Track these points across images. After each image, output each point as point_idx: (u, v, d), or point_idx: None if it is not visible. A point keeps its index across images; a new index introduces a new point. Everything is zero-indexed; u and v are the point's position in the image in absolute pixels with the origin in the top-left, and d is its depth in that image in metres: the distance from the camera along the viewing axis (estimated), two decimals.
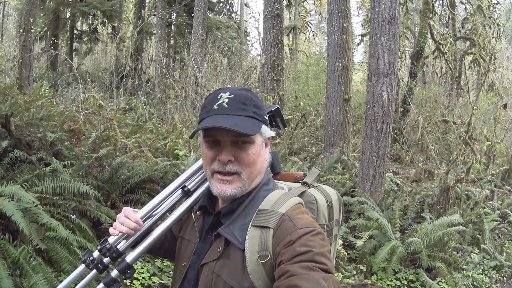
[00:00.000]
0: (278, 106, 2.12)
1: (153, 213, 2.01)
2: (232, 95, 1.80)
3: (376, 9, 8.99)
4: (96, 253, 1.92)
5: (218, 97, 1.82)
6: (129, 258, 1.89)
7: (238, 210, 1.84)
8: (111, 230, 1.92)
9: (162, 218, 2.04)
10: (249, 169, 1.80)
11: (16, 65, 13.70)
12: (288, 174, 2.15)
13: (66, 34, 28.35)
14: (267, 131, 1.88)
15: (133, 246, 1.96)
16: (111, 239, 1.91)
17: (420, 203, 9.31)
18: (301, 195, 1.93)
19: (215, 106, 1.79)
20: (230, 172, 1.78)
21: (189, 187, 2.06)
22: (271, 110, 2.10)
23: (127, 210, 1.95)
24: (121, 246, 1.92)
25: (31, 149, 6.34)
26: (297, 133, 15.40)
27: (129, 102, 17.15)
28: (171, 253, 2.19)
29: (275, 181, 2.06)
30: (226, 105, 1.77)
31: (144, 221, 1.96)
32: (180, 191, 2.07)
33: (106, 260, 1.91)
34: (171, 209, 2.06)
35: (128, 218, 1.90)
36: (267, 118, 1.94)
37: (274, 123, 2.13)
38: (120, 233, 1.90)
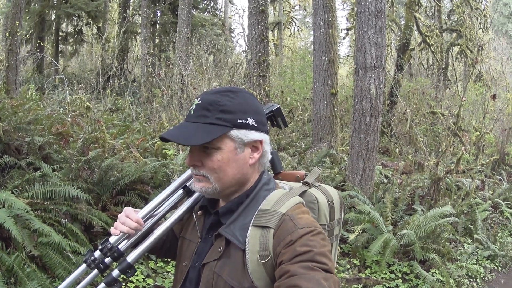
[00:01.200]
0: (279, 106, 2.12)
1: (154, 213, 2.01)
2: (200, 102, 1.81)
3: (363, 3, 9.00)
4: (97, 253, 1.92)
5: (193, 103, 1.85)
6: (130, 257, 1.89)
7: (238, 210, 1.84)
8: (112, 230, 1.92)
9: (163, 217, 2.04)
10: (216, 174, 1.80)
11: (3, 69, 13.63)
12: (289, 174, 2.14)
13: (52, 36, 28.20)
14: (247, 135, 1.83)
15: (134, 246, 1.95)
16: (112, 239, 1.91)
17: (410, 195, 9.36)
18: (302, 194, 1.93)
19: (187, 113, 1.84)
20: (198, 174, 1.82)
21: (190, 186, 2.07)
22: (272, 109, 2.10)
23: (128, 210, 1.95)
24: (122, 246, 1.92)
25: (20, 154, 6.30)
26: (285, 128, 15.39)
27: (116, 103, 17.09)
28: (172, 253, 2.19)
29: (276, 181, 2.05)
30: (192, 112, 1.81)
31: (145, 221, 1.96)
32: (181, 190, 2.07)
33: (107, 260, 1.91)
34: (172, 209, 2.06)
35: (129, 218, 1.90)
36: (249, 121, 1.85)
37: (275, 123, 2.12)
38: (121, 233, 1.90)
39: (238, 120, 1.80)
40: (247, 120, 1.82)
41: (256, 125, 1.84)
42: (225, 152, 1.78)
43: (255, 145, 1.87)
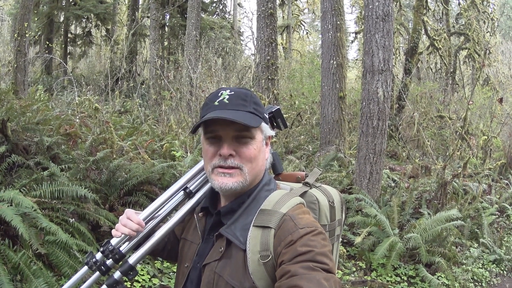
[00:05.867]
0: (278, 107, 2.14)
1: (156, 215, 2.02)
2: (233, 92, 1.82)
3: (370, 7, 8.99)
4: (98, 255, 1.92)
5: (219, 94, 1.84)
6: (131, 259, 1.89)
7: (239, 210, 1.84)
8: (113, 232, 1.92)
9: (164, 219, 2.04)
10: (250, 164, 1.80)
11: (11, 70, 13.71)
12: (289, 175, 2.14)
13: (60, 38, 28.21)
14: (267, 130, 1.90)
15: (136, 247, 1.96)
16: (113, 241, 1.92)
17: (417, 198, 9.32)
18: (302, 195, 1.93)
19: (216, 103, 1.82)
20: (232, 166, 1.79)
21: (191, 188, 2.07)
22: (271, 110, 2.12)
23: (129, 212, 1.95)
24: (123, 247, 1.92)
25: (28, 154, 6.32)
26: (293, 131, 15.42)
27: (124, 105, 17.09)
28: (174, 254, 2.19)
29: (277, 181, 2.05)
30: (227, 101, 1.80)
31: (146, 223, 1.97)
32: (182, 192, 2.07)
33: (109, 262, 1.91)
34: (173, 211, 2.06)
35: (130, 220, 1.91)
36: (267, 117, 1.95)
37: (275, 124, 2.14)
38: (123, 235, 1.91)
39: (265, 114, 1.89)
40: (267, 115, 1.92)
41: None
42: (258, 142, 1.83)
43: (267, 141, 1.93)
